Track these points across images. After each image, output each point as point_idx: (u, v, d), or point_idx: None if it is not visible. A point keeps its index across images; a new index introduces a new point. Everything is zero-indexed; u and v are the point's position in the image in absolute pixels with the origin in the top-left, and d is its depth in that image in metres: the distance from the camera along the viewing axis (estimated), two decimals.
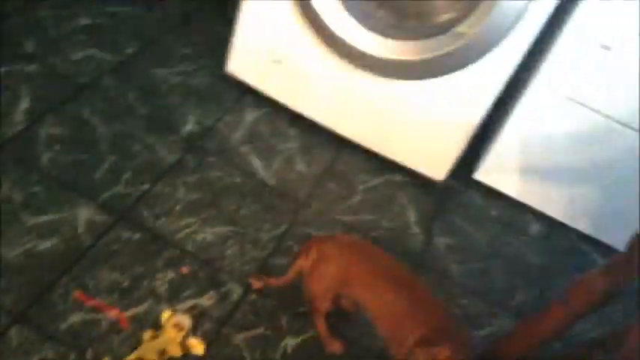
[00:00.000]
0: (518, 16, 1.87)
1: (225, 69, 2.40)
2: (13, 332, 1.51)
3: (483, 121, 2.15)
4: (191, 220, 1.93)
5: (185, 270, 1.79)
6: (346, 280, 1.61)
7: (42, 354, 1.49)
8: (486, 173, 2.39)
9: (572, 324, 1.60)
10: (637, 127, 2.03)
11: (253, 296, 1.80)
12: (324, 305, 1.67)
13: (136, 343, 1.58)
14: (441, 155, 2.28)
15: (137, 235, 1.82)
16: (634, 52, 1.91)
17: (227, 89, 2.43)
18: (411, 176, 2.35)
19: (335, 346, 1.72)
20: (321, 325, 1.71)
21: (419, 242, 2.16)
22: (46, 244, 1.70)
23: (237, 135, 2.27)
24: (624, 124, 2.05)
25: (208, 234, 1.91)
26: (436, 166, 2.31)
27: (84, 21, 2.46)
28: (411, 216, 2.23)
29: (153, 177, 2.00)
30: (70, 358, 1.51)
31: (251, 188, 2.10)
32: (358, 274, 1.61)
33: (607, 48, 1.94)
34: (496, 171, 2.38)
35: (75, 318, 1.59)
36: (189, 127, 2.22)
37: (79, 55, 2.32)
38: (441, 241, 2.19)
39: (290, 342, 1.73)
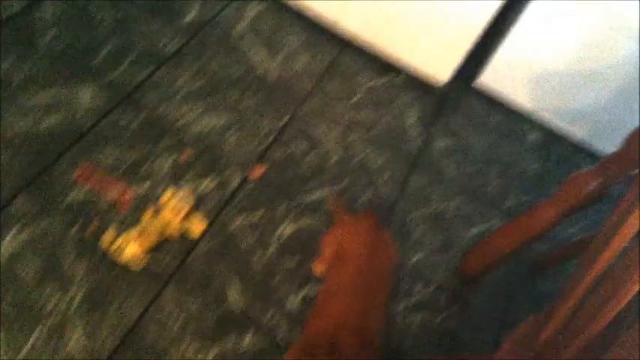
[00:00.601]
0: None
1: None
2: (19, 203, 1.56)
3: (489, 26, 2.12)
4: (192, 107, 1.93)
5: (186, 155, 1.82)
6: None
7: (46, 224, 1.54)
8: (488, 80, 2.38)
9: (559, 221, 1.64)
10: (637, 35, 2.01)
11: (252, 185, 1.84)
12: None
13: (137, 221, 1.63)
14: (445, 58, 2.26)
15: (139, 119, 1.83)
16: None
17: None
18: (413, 78, 2.34)
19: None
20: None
21: (416, 143, 2.18)
22: (47, 123, 1.72)
23: (240, 28, 2.24)
24: (627, 31, 2.03)
25: (209, 122, 1.92)
26: (439, 69, 2.29)
27: None
28: (411, 117, 2.24)
29: (154, 63, 1.99)
30: (74, 229, 1.56)
31: (252, 81, 2.09)
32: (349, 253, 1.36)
33: None
34: (498, 78, 2.36)
35: (79, 194, 1.63)
36: (192, 15, 2.19)
37: None
38: (439, 144, 2.21)
39: (287, 229, 1.78)
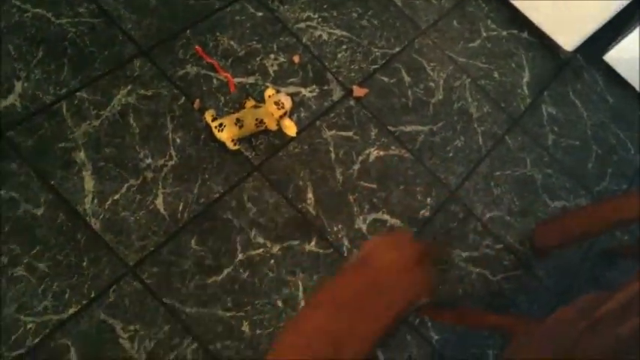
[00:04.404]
0: None
1: None
2: (137, 64, 1.66)
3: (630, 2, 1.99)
4: (313, 15, 1.96)
5: (296, 59, 1.86)
6: None
7: (158, 89, 1.65)
8: (617, 57, 2.26)
9: None
10: None
11: (352, 102, 1.87)
12: None
13: (238, 107, 1.70)
14: (577, 25, 2.15)
15: (260, 13, 1.88)
16: None
17: None
18: (539, 38, 2.25)
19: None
20: None
21: (523, 104, 2.12)
22: None
23: None
24: None
25: (325, 33, 1.94)
26: (568, 35, 2.19)
27: None
28: (525, 76, 2.17)
29: None
30: (180, 101, 1.66)
31: (376, 2, 2.08)
32: None
33: None
34: (628, 58, 2.24)
35: (191, 69, 1.71)
36: None
37: None
38: (547, 110, 2.14)
39: (374, 153, 1.82)
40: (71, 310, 1.36)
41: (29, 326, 1.32)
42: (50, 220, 1.43)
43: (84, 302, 1.38)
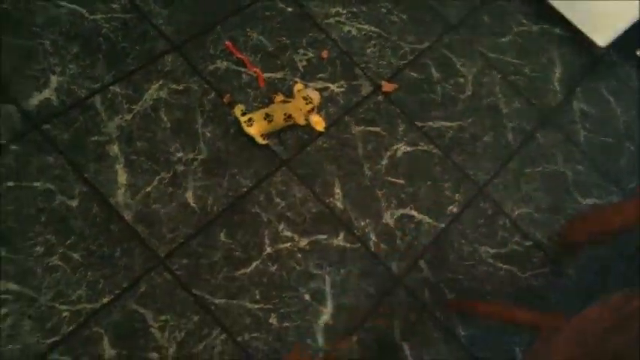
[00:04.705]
0: None
1: None
2: (168, 59, 1.68)
3: None
4: (342, 10, 1.96)
5: (325, 54, 1.87)
6: None
7: (189, 84, 1.67)
8: None
9: None
10: None
11: (380, 98, 1.87)
12: None
13: (267, 102, 1.72)
14: (611, 21, 2.11)
15: (290, 9, 1.89)
16: None
17: None
18: (571, 33, 2.22)
19: None
20: None
21: (555, 99, 2.09)
22: None
23: None
24: None
25: (354, 28, 1.95)
26: (602, 30, 2.15)
27: None
28: (557, 72, 2.15)
29: None
30: (210, 96, 1.68)
31: None
32: None
33: None
34: None
35: (221, 64, 1.73)
36: None
37: None
38: (579, 106, 2.11)
39: (402, 148, 1.82)
40: (104, 300, 1.40)
41: (64, 314, 1.36)
42: (84, 211, 1.46)
43: (116, 292, 1.41)
